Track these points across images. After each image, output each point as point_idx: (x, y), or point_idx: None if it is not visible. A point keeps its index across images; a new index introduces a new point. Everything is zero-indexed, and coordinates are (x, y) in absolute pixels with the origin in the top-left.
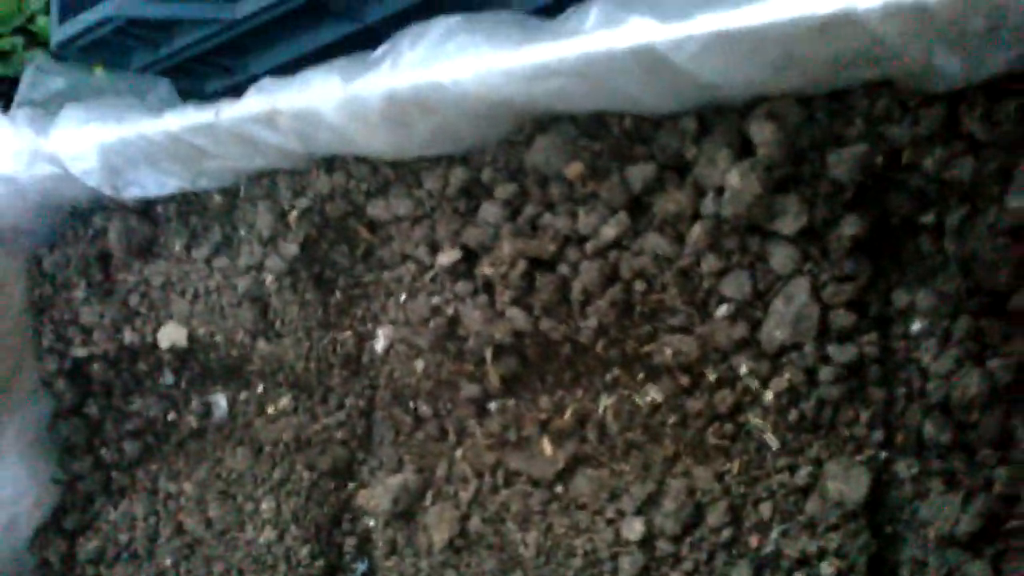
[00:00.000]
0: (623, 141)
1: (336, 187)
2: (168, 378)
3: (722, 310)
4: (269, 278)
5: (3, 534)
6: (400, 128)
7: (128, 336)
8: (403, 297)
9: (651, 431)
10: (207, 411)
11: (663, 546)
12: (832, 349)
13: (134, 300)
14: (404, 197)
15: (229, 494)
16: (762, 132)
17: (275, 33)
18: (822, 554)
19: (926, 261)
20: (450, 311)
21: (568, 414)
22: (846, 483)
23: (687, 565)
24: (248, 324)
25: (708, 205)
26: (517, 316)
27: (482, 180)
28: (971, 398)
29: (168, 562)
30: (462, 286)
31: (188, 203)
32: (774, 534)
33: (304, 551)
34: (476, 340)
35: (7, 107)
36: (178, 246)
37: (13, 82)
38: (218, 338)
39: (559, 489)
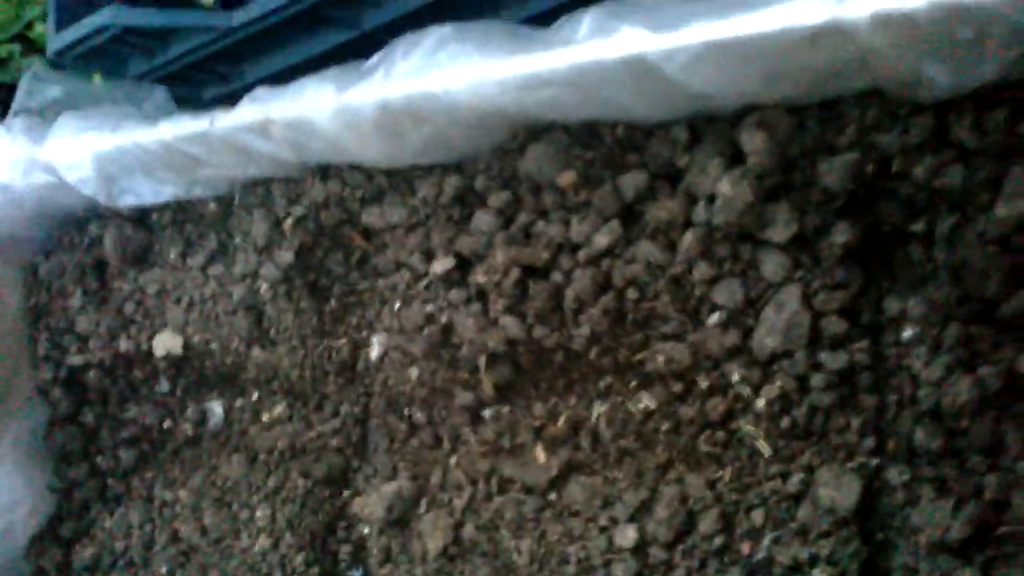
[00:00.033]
0: (615, 150)
1: (331, 195)
2: (164, 386)
3: (714, 318)
4: (264, 286)
5: None
6: (393, 137)
7: (124, 344)
8: (397, 305)
9: (644, 438)
10: (203, 419)
11: (656, 553)
12: (823, 356)
13: (130, 308)
14: (398, 205)
15: (224, 502)
16: (753, 141)
17: (272, 40)
18: (814, 561)
19: (917, 269)
20: (444, 319)
21: (562, 421)
22: (837, 490)
23: (680, 572)
24: (243, 332)
25: (700, 213)
26: (511, 324)
27: (476, 188)
28: (961, 405)
29: (164, 570)
30: (456, 294)
31: (183, 211)
32: (766, 541)
33: (299, 559)
34: (470, 348)
35: (4, 114)
36: (173, 254)
37: (10, 89)
38: (213, 346)
39: (553, 496)
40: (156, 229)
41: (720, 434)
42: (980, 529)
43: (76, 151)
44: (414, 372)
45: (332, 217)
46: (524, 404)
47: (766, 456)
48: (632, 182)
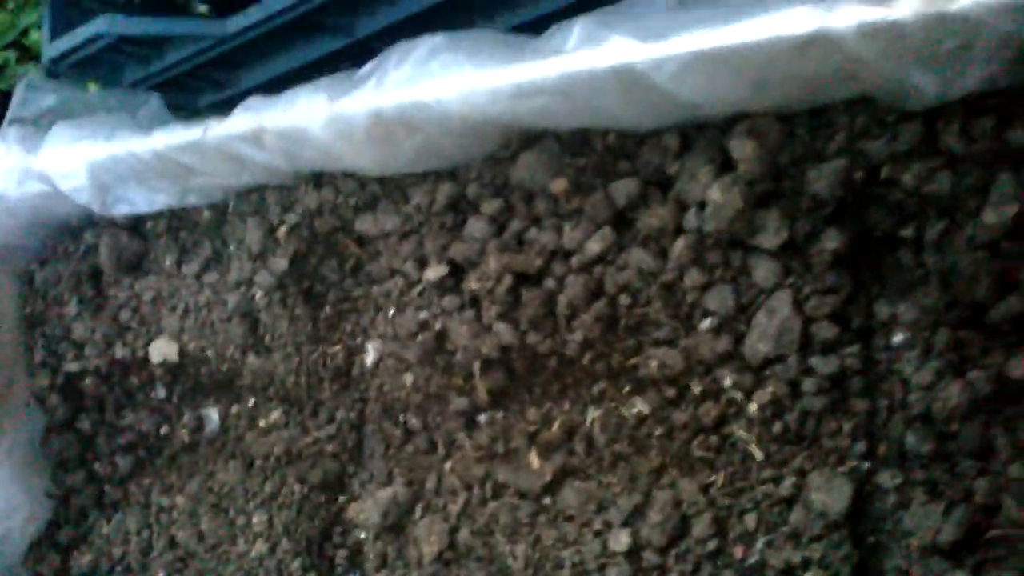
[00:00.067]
0: (607, 157)
1: (324, 202)
2: (160, 392)
3: (706, 323)
4: (259, 293)
5: None
6: (386, 146)
7: (120, 351)
8: (392, 311)
9: (637, 443)
10: (199, 425)
11: (649, 557)
12: (815, 361)
13: (125, 315)
14: (392, 213)
15: (221, 508)
16: (743, 148)
17: (267, 48)
18: (806, 564)
19: (906, 274)
20: (438, 325)
21: (556, 426)
22: (829, 494)
23: None
24: (238, 339)
25: (691, 220)
26: (504, 330)
27: (468, 196)
28: (952, 409)
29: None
30: (449, 301)
31: (178, 219)
32: (759, 545)
33: (295, 564)
34: (464, 354)
35: None
36: (168, 262)
37: (6, 96)
38: (209, 353)
39: (547, 501)
40: (151, 237)
41: (713, 439)
42: (971, 532)
43: (70, 160)
44: (409, 378)
45: (326, 224)
46: (518, 409)
47: (758, 460)
48: (624, 189)
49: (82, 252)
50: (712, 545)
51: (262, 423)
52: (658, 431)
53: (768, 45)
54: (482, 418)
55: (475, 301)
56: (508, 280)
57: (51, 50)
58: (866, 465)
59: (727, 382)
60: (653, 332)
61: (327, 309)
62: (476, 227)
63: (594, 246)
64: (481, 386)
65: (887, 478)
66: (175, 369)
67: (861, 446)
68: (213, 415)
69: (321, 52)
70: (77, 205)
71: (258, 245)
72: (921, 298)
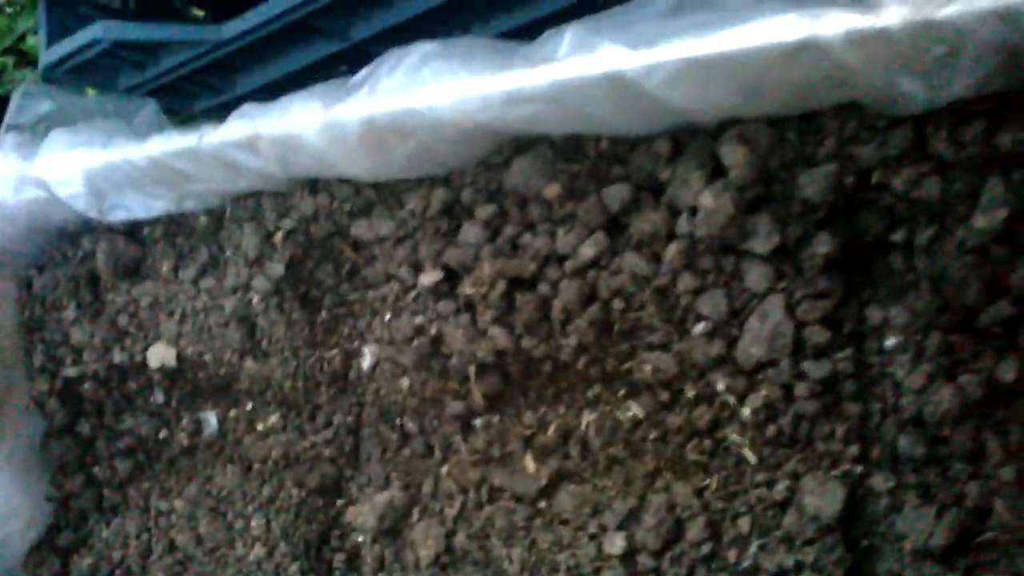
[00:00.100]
0: (599, 162)
1: (320, 208)
2: (159, 397)
3: (699, 328)
4: (256, 298)
5: None
6: (379, 152)
7: (118, 356)
8: (388, 316)
9: (632, 447)
10: (197, 429)
11: (644, 561)
12: (807, 365)
13: (123, 320)
14: (386, 218)
15: (219, 511)
16: (733, 154)
17: (262, 52)
18: (799, 568)
19: (898, 278)
20: (433, 330)
21: (551, 430)
22: (822, 497)
23: None
24: (236, 343)
25: (683, 225)
26: (499, 335)
27: (462, 201)
28: (943, 413)
29: None
30: (444, 305)
31: (174, 225)
32: (752, 548)
33: (293, 568)
34: (459, 358)
35: None
36: (165, 267)
37: (4, 100)
38: (207, 357)
39: (542, 505)
40: (148, 243)
41: (707, 442)
42: (962, 536)
43: (66, 167)
44: (405, 382)
45: (322, 230)
46: (514, 413)
47: (752, 464)
48: (617, 194)
49: (80, 258)
50: (706, 549)
51: (260, 427)
52: (652, 435)
53: (757, 52)
54: (478, 422)
55: (470, 306)
56: (502, 285)
57: (48, 56)
58: (859, 469)
59: (720, 386)
60: (647, 336)
61: (324, 314)
62: (470, 232)
63: (587, 251)
64: (476, 390)
65: (880, 481)
66: (173, 374)
67: (854, 450)
68: (211, 419)
69: (317, 56)
70: (74, 211)
71: (255, 250)
72: (912, 302)
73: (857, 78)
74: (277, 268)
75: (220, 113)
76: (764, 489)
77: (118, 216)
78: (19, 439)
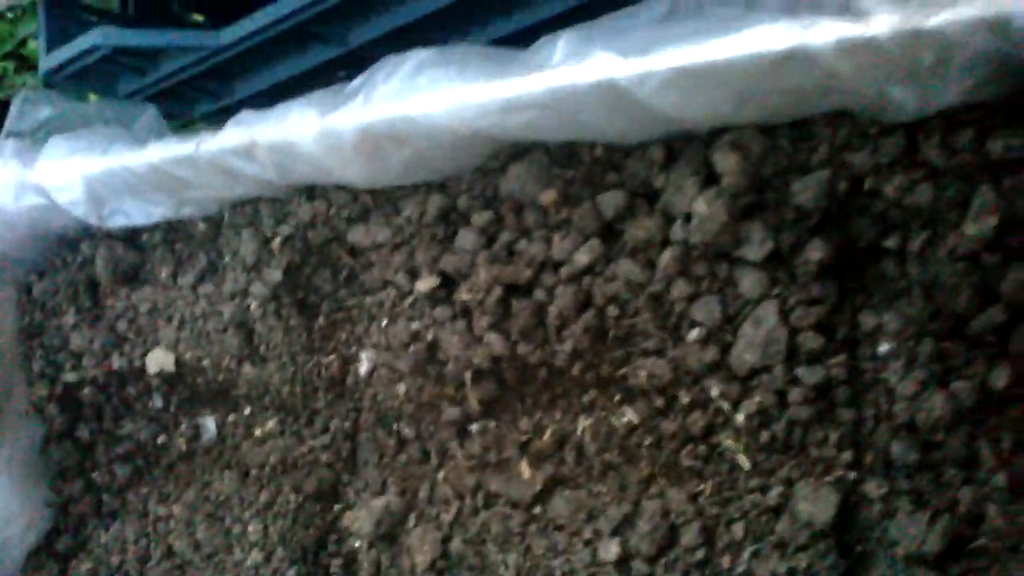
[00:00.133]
0: (594, 169)
1: (317, 214)
2: (157, 402)
3: (693, 334)
4: (254, 304)
5: None
6: (375, 159)
7: (117, 361)
8: (385, 322)
9: (627, 452)
10: (196, 434)
11: (638, 566)
12: (801, 371)
13: (122, 326)
14: (383, 224)
15: (217, 517)
16: (726, 161)
17: (261, 58)
18: (792, 574)
19: (891, 284)
20: (430, 336)
21: (547, 436)
22: (815, 503)
23: None
24: (234, 349)
25: (677, 232)
26: (494, 341)
27: (459, 207)
28: (936, 419)
29: None
30: (441, 311)
31: (173, 231)
32: (746, 555)
33: (291, 573)
34: (455, 364)
35: None
36: (164, 273)
37: (4, 105)
38: (205, 363)
39: (537, 510)
40: (147, 249)
41: (701, 448)
42: (955, 542)
43: (66, 173)
44: (402, 388)
45: (319, 236)
46: (510, 419)
47: (746, 470)
48: (612, 201)
49: (79, 264)
50: (700, 554)
51: (258, 432)
52: (647, 440)
53: (748, 61)
54: (474, 427)
55: (466, 312)
56: (498, 291)
57: (47, 62)
58: (852, 475)
59: (714, 392)
60: (641, 342)
61: (321, 319)
62: (466, 238)
63: (582, 257)
64: (473, 396)
65: (873, 488)
66: (172, 379)
67: (847, 456)
68: (210, 424)
69: (315, 62)
70: (74, 218)
71: (252, 256)
72: (905, 308)
73: (848, 86)
74: (275, 274)
75: (220, 117)
76: (758, 495)
77: (117, 222)
78: (18, 444)
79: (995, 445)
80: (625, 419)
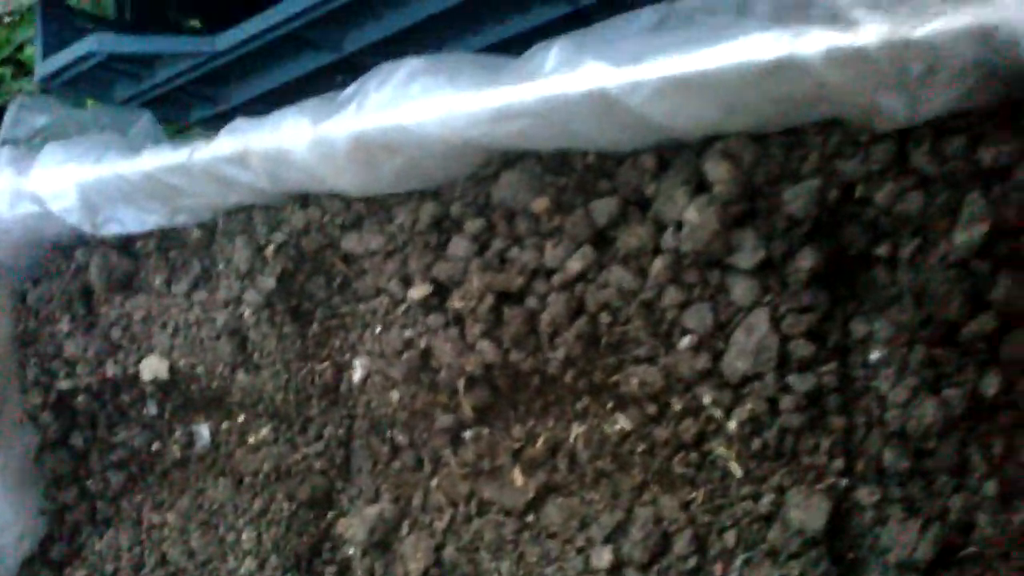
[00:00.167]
0: (587, 176)
1: (311, 221)
2: (152, 409)
3: (685, 341)
4: (247, 311)
5: None
6: (367, 168)
7: (111, 369)
8: (378, 329)
9: (620, 460)
10: (190, 441)
11: (631, 574)
12: (792, 379)
13: (116, 333)
14: (376, 232)
15: (211, 524)
16: (718, 170)
17: (257, 63)
18: None
19: (882, 292)
20: (423, 343)
21: (540, 443)
22: (807, 511)
23: None
24: (227, 356)
25: (668, 240)
26: (487, 348)
27: (451, 215)
28: (927, 426)
29: None
30: (433, 319)
31: (167, 239)
32: (738, 562)
33: None
34: (448, 372)
35: None
36: (158, 281)
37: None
38: (199, 370)
39: (531, 518)
40: (141, 256)
41: (693, 455)
42: (946, 550)
43: (60, 181)
44: (395, 395)
45: (313, 243)
46: (503, 426)
47: (738, 477)
48: (604, 208)
49: (73, 271)
50: (692, 562)
51: (251, 439)
52: (640, 448)
53: (738, 70)
54: (467, 435)
55: (459, 319)
56: (490, 299)
57: (43, 68)
58: (844, 482)
59: (707, 399)
60: (633, 350)
61: (315, 326)
62: (459, 246)
63: (575, 265)
64: (466, 403)
65: (865, 495)
66: (166, 386)
67: (839, 463)
68: (204, 431)
69: (310, 67)
70: (68, 225)
71: (246, 264)
72: (896, 316)
73: (838, 95)
74: (269, 281)
75: (217, 122)
76: (750, 502)
77: (111, 230)
78: (12, 452)
79: (986, 452)
80: (618, 426)
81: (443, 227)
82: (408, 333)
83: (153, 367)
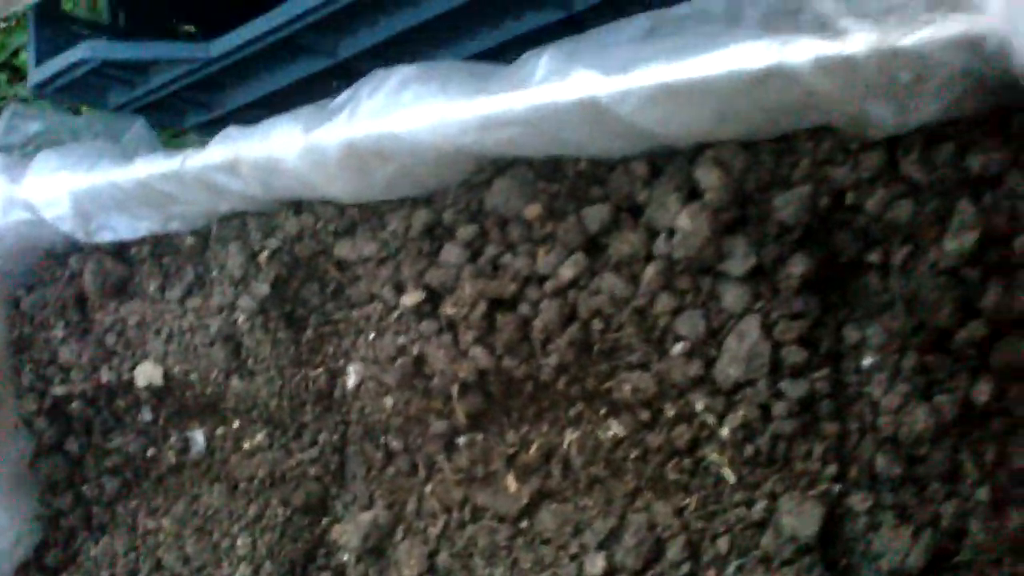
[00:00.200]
0: (579, 183)
1: (304, 228)
2: (146, 415)
3: (677, 348)
4: (241, 317)
5: None
6: (359, 175)
7: (106, 375)
8: (372, 335)
9: (613, 466)
10: (185, 447)
11: None
12: (785, 385)
13: (111, 340)
14: (369, 238)
15: (206, 530)
16: (709, 177)
17: (251, 69)
18: None
19: (874, 298)
20: (416, 350)
21: (533, 449)
22: (799, 517)
23: None
24: (222, 362)
25: (660, 246)
26: (480, 355)
27: (444, 222)
28: (919, 432)
29: None
30: (426, 326)
31: (161, 245)
32: (731, 569)
33: None
34: (442, 378)
35: None
36: (152, 287)
37: None
38: (193, 376)
39: (524, 524)
40: (135, 263)
41: (686, 462)
42: (938, 556)
43: (54, 189)
44: (389, 401)
45: (306, 249)
46: (497, 432)
47: (731, 483)
48: (596, 215)
49: (67, 277)
50: (685, 569)
51: (246, 445)
52: (633, 454)
53: (727, 78)
54: (461, 441)
55: (452, 326)
56: (483, 305)
57: (36, 75)
58: (837, 488)
59: (699, 406)
60: (626, 356)
61: (309, 333)
62: (452, 253)
63: (567, 271)
64: (459, 409)
65: (858, 501)
66: (160, 392)
67: (832, 469)
68: (198, 437)
69: (304, 73)
70: (61, 232)
71: (240, 270)
72: (888, 322)
73: (828, 103)
74: (262, 288)
75: (211, 128)
76: (743, 509)
77: (105, 237)
78: (8, 458)
79: (978, 459)
80: (611, 433)
81: (436, 234)
82: (401, 339)
83: (148, 373)
